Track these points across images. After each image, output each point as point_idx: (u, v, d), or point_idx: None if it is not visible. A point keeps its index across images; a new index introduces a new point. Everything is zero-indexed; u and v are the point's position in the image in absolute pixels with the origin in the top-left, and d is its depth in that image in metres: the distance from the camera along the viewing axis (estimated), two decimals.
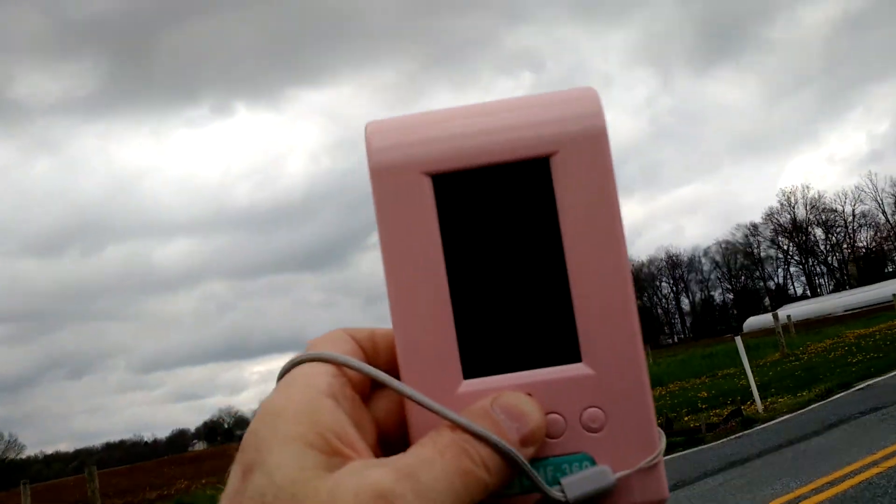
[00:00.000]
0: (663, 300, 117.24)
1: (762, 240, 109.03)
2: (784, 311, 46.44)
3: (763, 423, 13.04)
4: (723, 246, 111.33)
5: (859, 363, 18.28)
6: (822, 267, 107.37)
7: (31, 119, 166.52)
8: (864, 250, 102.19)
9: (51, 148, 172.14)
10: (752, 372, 14.87)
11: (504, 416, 0.44)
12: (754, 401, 14.59)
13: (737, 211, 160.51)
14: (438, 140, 0.46)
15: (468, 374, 0.46)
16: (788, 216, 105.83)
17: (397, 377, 0.46)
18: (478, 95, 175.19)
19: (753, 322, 73.05)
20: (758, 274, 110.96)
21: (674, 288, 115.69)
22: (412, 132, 0.47)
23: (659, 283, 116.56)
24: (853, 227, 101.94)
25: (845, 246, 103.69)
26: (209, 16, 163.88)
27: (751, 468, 9.40)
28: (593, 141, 0.46)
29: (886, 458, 8.12)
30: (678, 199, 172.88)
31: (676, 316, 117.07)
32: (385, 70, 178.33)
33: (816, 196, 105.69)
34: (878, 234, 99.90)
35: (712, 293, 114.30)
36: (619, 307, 0.46)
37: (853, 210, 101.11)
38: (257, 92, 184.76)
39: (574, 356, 0.46)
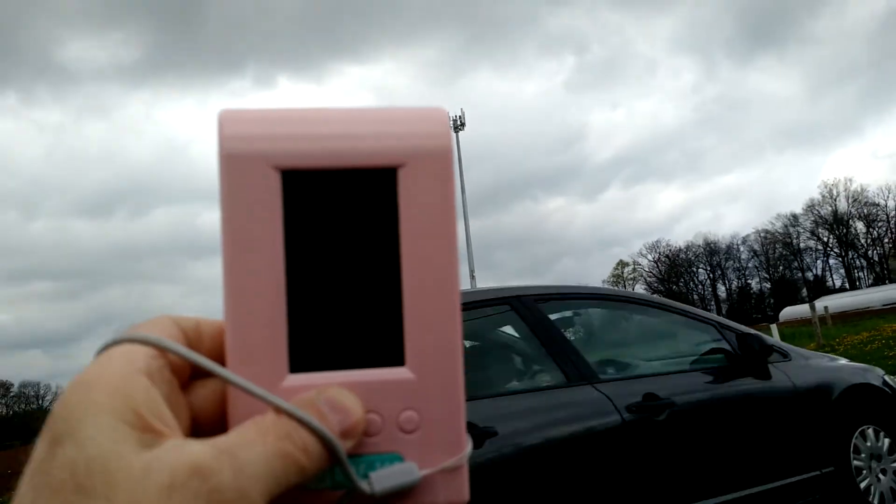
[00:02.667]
0: (699, 286, 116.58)
1: (802, 231, 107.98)
2: (821, 303, 45.91)
3: None
4: (762, 235, 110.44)
5: None
6: (862, 260, 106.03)
7: (80, 84, 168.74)
8: None
9: (99, 113, 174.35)
10: None
11: (328, 408, 0.45)
12: None
13: (777, 201, 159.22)
14: (292, 137, 0.47)
15: (295, 368, 0.46)
16: (830, 208, 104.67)
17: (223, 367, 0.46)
18: (519, 75, 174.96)
19: (790, 312, 72.37)
20: (796, 264, 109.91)
21: (710, 274, 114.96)
22: (267, 125, 0.47)
23: (696, 269, 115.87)
24: (895, 221, 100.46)
25: (887, 240, 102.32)
26: None
27: None
28: (440, 158, 0.48)
29: None
30: (719, 186, 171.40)
31: (712, 302, 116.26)
32: (427, 48, 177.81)
33: (859, 189, 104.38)
34: None
35: (749, 281, 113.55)
36: (446, 318, 0.48)
37: None
38: (299, 64, 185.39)
39: (398, 360, 0.47)
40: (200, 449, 0.40)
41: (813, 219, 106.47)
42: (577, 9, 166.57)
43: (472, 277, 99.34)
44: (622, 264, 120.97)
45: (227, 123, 0.47)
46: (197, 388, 0.48)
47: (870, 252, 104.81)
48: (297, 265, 0.46)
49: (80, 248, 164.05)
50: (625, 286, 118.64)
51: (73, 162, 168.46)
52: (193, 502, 0.38)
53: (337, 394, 0.46)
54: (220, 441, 0.41)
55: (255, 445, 0.41)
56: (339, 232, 0.47)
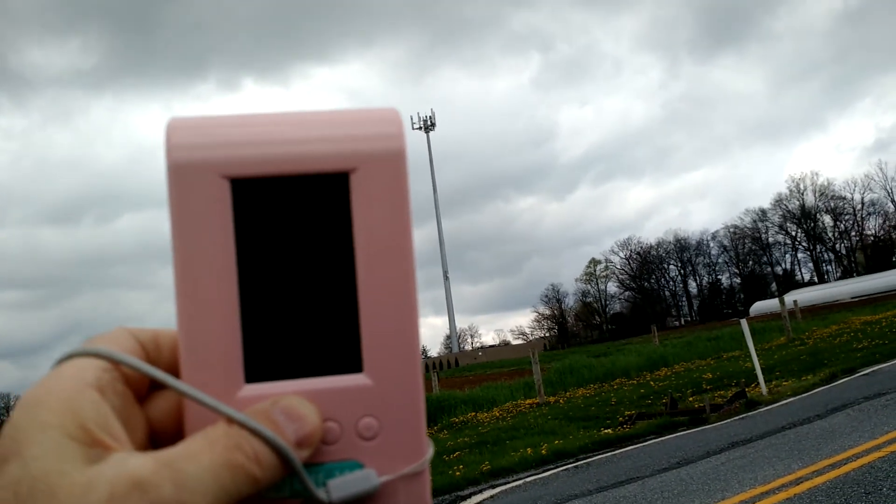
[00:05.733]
0: (671, 283, 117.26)
1: (770, 225, 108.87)
2: (791, 297, 46.43)
3: (767, 406, 13.10)
4: (731, 230, 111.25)
5: (864, 349, 18.29)
6: (830, 254, 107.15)
7: (39, 91, 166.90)
8: (872, 238, 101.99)
9: (62, 120, 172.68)
10: (757, 355, 14.89)
11: (283, 417, 0.44)
12: (759, 383, 14.64)
13: (745, 196, 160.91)
14: (240, 144, 0.46)
15: (251, 378, 0.46)
16: (797, 202, 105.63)
17: (178, 378, 0.45)
18: (487, 73, 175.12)
19: (760, 307, 73.08)
20: (765, 259, 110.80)
21: (681, 271, 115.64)
22: (215, 133, 0.46)
23: (667, 265, 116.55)
24: (862, 214, 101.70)
25: (853, 233, 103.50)
26: None
27: (753, 448, 9.47)
28: (393, 161, 0.47)
29: (889, 442, 8.17)
30: (687, 183, 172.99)
31: (683, 298, 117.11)
32: (393, 48, 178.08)
33: (825, 183, 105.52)
34: (887, 222, 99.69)
35: (720, 277, 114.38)
36: (403, 323, 0.47)
37: (862, 198, 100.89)
38: (264, 67, 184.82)
39: (356, 367, 0.47)
40: (142, 462, 0.39)
41: (781, 213, 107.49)
42: (540, 8, 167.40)
43: (446, 279, 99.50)
44: (594, 262, 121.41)
45: (175, 132, 0.46)
46: (156, 401, 0.48)
47: (837, 245, 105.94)
48: (251, 274, 0.46)
49: (48, 256, 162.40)
50: (597, 284, 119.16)
51: (38, 169, 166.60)
52: None
53: (293, 402, 0.45)
54: (164, 454, 0.41)
55: (202, 456, 0.41)
56: (292, 239, 0.46)
